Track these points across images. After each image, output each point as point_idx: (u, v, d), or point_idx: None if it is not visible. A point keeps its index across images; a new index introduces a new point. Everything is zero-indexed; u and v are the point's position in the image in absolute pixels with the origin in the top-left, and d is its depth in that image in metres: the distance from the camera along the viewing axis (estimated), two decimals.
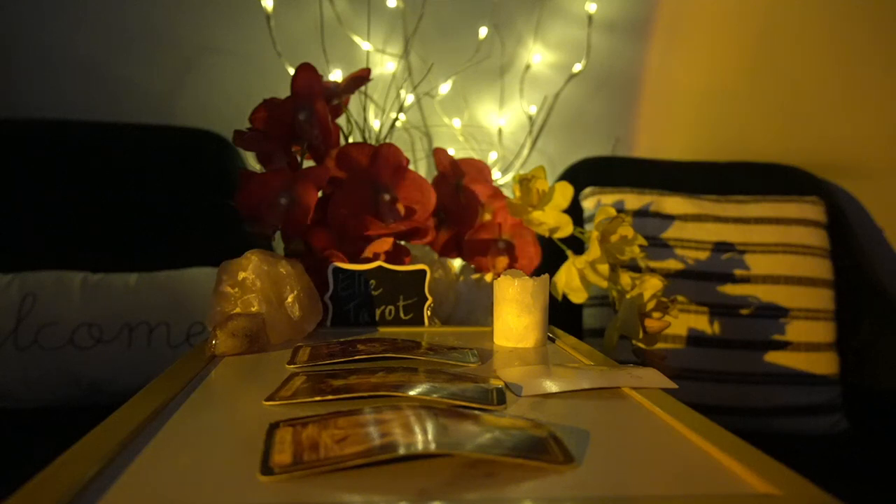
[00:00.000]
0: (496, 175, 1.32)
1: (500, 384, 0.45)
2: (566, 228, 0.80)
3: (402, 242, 0.81)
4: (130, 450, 0.33)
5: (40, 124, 1.16)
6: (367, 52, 1.27)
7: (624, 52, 1.33)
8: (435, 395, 0.40)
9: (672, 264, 1.05)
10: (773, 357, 1.01)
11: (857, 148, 1.34)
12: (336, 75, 1.23)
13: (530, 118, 1.32)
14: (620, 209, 1.07)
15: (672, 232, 1.07)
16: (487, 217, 0.85)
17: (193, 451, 0.33)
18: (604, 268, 0.74)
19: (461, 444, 0.31)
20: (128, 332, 0.94)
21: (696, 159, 1.29)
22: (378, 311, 0.70)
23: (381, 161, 0.78)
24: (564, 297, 0.80)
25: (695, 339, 1.02)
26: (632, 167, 1.25)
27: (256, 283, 0.60)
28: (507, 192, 1.11)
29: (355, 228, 0.76)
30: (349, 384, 0.43)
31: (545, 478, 0.30)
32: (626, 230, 0.75)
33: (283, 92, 0.77)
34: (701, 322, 1.02)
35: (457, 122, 1.31)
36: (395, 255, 0.76)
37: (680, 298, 1.02)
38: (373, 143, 1.02)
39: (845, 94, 1.34)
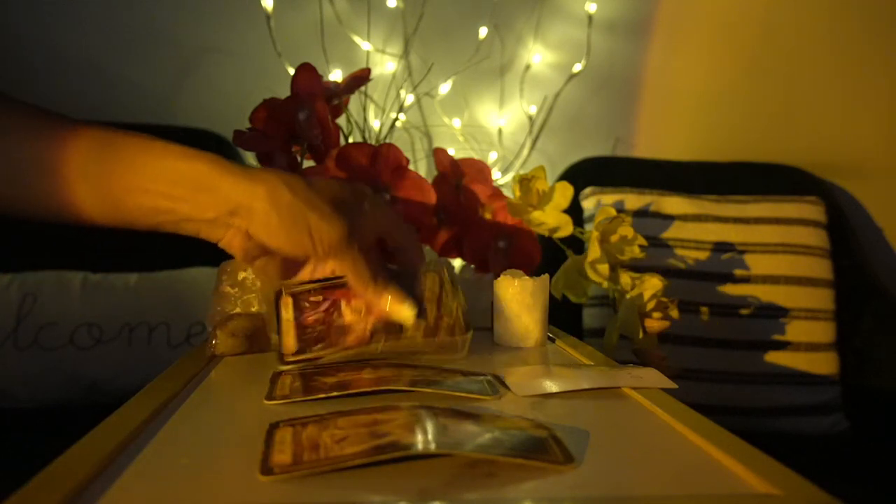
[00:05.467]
0: (496, 175, 1.32)
1: (489, 377, 0.45)
2: (566, 228, 0.80)
3: None
4: (130, 450, 0.33)
5: None
6: (367, 52, 1.27)
7: (624, 52, 1.33)
8: (429, 389, 0.41)
9: (672, 264, 1.05)
10: (773, 357, 1.01)
11: (857, 148, 1.34)
12: (336, 75, 1.23)
13: (530, 118, 1.32)
14: (620, 209, 1.07)
15: (672, 232, 1.07)
16: (487, 217, 0.85)
17: (193, 451, 0.33)
18: (604, 268, 0.74)
19: (461, 444, 0.31)
20: (128, 332, 0.94)
21: (696, 159, 1.29)
22: None
23: (381, 161, 0.78)
24: (564, 297, 0.80)
25: (695, 339, 1.02)
26: (632, 167, 1.25)
27: (256, 283, 0.60)
28: (507, 192, 1.10)
29: None
30: (341, 381, 0.43)
31: (545, 478, 0.30)
32: (626, 230, 0.75)
33: (283, 92, 0.77)
34: (701, 322, 1.02)
35: (457, 122, 1.31)
36: None
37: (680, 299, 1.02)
38: (373, 143, 1.02)
39: (845, 94, 1.34)
